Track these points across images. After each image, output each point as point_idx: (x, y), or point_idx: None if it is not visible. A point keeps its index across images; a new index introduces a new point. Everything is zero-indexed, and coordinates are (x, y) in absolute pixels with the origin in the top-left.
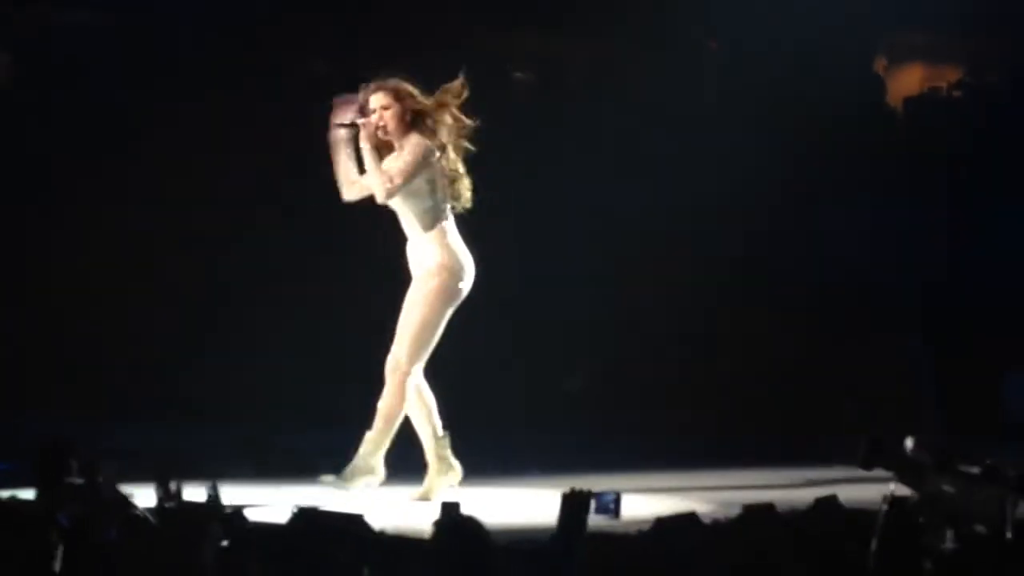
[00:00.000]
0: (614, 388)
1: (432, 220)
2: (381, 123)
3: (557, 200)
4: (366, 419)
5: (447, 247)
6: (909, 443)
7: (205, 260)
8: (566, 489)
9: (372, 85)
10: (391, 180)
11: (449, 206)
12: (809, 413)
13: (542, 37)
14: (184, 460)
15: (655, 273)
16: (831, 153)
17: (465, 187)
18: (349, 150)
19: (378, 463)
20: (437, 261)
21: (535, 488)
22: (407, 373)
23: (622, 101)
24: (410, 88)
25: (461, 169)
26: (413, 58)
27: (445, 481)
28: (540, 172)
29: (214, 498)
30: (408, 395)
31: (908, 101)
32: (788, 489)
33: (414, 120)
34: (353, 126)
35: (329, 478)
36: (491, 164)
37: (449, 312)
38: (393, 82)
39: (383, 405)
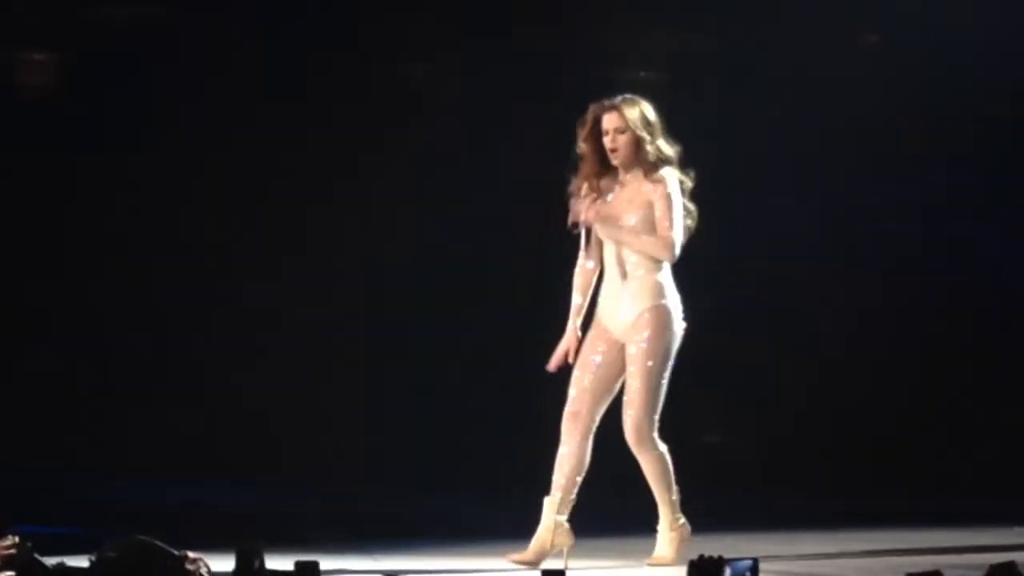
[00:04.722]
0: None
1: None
2: (612, 146)
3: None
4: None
5: (670, 284)
6: None
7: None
8: (694, 557)
9: (607, 102)
10: (672, 239)
11: None
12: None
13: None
14: (266, 525)
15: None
16: None
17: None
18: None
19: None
20: (661, 301)
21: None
22: (652, 432)
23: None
24: (653, 117)
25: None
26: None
27: (678, 539)
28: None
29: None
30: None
31: None
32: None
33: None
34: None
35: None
36: None
37: (674, 355)
38: (636, 106)
39: (650, 473)
